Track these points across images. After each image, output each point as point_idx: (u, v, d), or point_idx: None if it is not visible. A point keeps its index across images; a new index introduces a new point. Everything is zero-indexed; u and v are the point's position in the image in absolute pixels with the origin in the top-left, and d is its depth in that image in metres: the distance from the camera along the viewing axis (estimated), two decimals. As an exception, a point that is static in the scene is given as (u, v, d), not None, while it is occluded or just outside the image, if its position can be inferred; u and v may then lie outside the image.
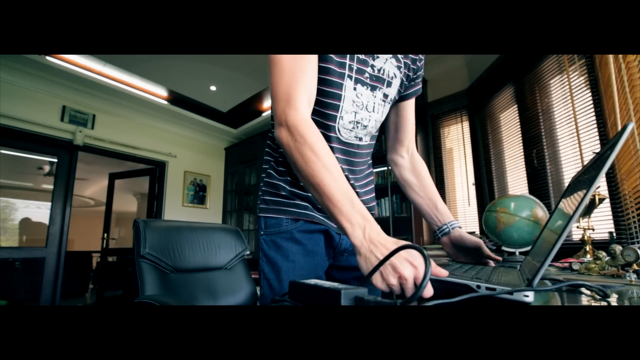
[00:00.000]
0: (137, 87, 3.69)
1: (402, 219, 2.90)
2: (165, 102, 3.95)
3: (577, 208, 0.42)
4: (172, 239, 1.03)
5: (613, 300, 0.43)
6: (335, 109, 0.73)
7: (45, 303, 3.16)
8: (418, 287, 0.36)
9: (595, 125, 1.68)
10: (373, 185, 0.91)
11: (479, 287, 0.42)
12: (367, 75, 0.74)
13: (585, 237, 1.09)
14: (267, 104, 4.12)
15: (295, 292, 0.43)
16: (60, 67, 3.15)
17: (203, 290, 1.02)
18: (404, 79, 0.82)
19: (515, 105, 2.41)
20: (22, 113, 3.13)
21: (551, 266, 0.96)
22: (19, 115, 3.11)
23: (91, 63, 3.31)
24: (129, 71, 3.44)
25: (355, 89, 0.73)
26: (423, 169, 0.93)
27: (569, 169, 1.93)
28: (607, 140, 1.59)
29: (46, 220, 3.32)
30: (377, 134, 0.87)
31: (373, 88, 0.76)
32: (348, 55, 0.70)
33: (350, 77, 0.72)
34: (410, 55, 0.81)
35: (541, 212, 1.21)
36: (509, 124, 2.50)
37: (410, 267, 0.42)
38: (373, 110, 0.78)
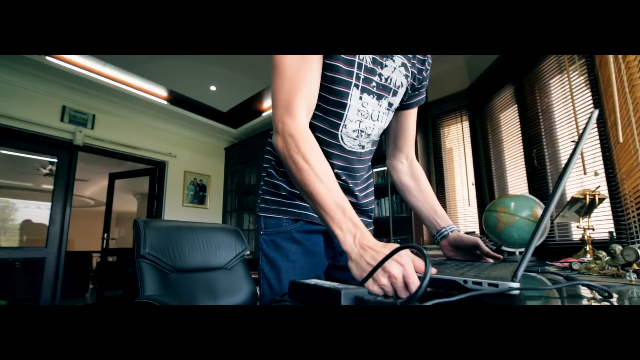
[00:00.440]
0: (137, 87, 3.68)
1: (402, 219, 2.90)
2: (165, 102, 3.95)
3: (550, 200, 0.45)
4: (172, 239, 1.03)
5: (613, 300, 0.43)
6: (339, 118, 0.73)
7: (45, 303, 3.16)
8: (419, 287, 0.36)
9: (595, 125, 1.68)
10: (372, 188, 0.91)
11: (465, 282, 0.44)
12: (374, 84, 0.74)
13: (585, 237, 1.09)
14: (267, 104, 4.12)
15: (295, 292, 0.43)
16: (60, 67, 3.15)
17: (203, 290, 1.02)
18: (409, 88, 0.82)
19: (515, 105, 2.41)
20: (22, 113, 3.13)
21: (551, 266, 0.96)
22: (18, 115, 3.11)
23: (91, 63, 3.30)
24: (129, 71, 3.43)
25: (361, 98, 0.73)
26: (421, 174, 0.94)
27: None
28: (607, 140, 1.59)
29: (46, 221, 3.31)
30: (378, 139, 0.87)
31: (379, 97, 0.76)
32: (356, 64, 0.70)
33: (357, 86, 0.72)
34: (417, 65, 0.81)
35: (541, 211, 1.21)
36: (509, 123, 2.50)
37: (398, 265, 0.44)
38: (377, 119, 0.78)
